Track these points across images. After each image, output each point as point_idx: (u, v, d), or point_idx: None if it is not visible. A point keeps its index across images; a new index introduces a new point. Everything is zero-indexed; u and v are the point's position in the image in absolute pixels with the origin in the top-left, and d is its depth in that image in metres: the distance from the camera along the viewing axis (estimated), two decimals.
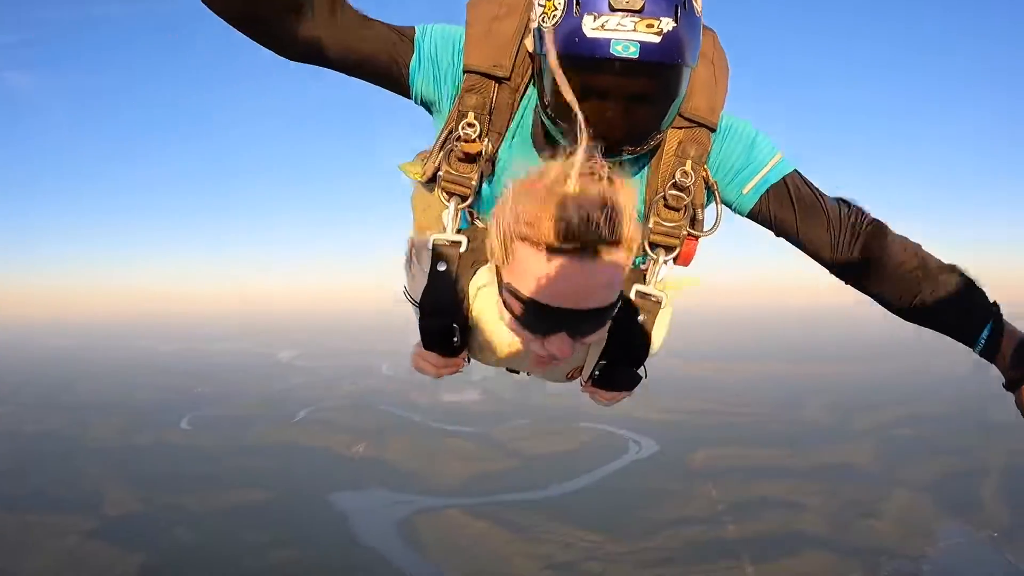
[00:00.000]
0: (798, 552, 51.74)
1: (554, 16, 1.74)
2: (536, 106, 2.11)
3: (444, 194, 2.22)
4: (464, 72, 2.12)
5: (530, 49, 2.00)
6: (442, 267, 2.16)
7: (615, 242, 1.59)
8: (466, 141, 2.12)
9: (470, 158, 2.15)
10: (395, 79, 2.20)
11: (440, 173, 2.19)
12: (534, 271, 1.62)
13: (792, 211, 2.21)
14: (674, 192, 2.15)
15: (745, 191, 2.22)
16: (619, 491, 64.54)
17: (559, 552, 53.12)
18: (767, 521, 56.83)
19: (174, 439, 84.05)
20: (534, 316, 1.70)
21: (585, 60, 1.72)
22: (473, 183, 2.18)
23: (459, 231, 2.21)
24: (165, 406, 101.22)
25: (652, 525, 56.58)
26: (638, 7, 1.65)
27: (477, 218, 2.40)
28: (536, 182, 1.64)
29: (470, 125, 2.10)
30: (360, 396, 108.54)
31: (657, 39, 1.68)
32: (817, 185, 2.25)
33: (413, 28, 2.17)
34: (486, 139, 2.16)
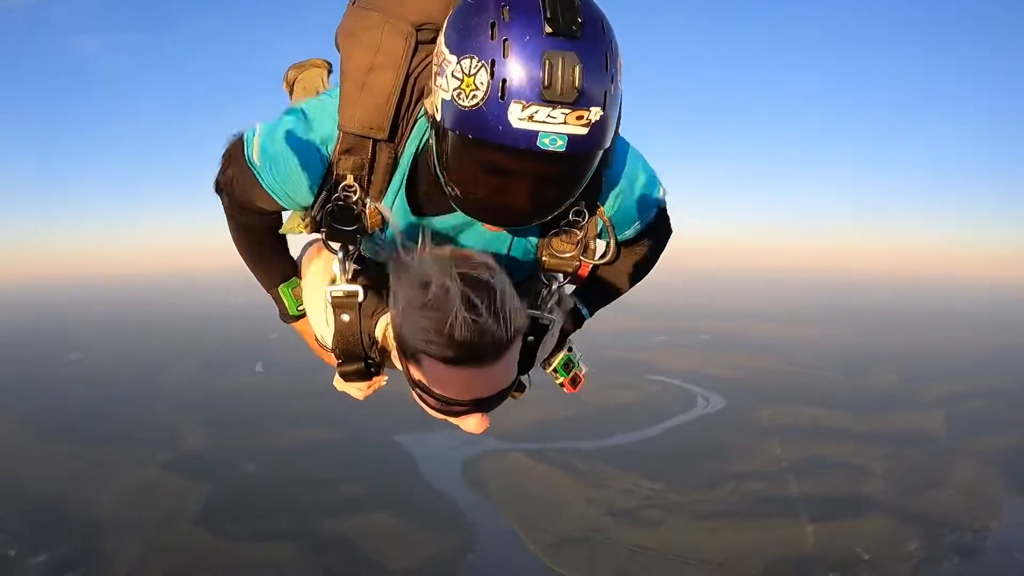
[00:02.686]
0: (860, 515, 51.45)
1: (474, 96, 1.57)
2: (422, 159, 2.06)
3: (328, 247, 2.24)
4: (340, 131, 2.00)
5: (430, 113, 1.79)
6: (346, 318, 2.18)
7: (509, 341, 1.64)
8: (346, 203, 2.05)
9: (352, 215, 2.07)
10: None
11: (323, 230, 2.13)
12: (441, 377, 1.69)
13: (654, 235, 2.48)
14: (567, 228, 2.17)
15: (637, 228, 2.33)
16: (684, 443, 64.92)
17: (620, 498, 54.08)
18: (830, 482, 56.45)
19: (248, 382, 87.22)
20: (447, 406, 1.77)
21: (504, 150, 1.60)
22: (356, 237, 2.13)
23: (355, 273, 2.23)
24: (240, 351, 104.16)
25: (714, 478, 56.99)
26: (571, 100, 1.52)
27: (365, 258, 2.37)
28: (422, 295, 1.59)
29: (348, 187, 2.03)
30: None
31: (585, 131, 1.58)
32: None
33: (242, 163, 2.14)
34: (368, 199, 2.07)
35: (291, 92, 3.51)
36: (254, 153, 2.08)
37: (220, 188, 2.28)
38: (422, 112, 1.96)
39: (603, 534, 49.54)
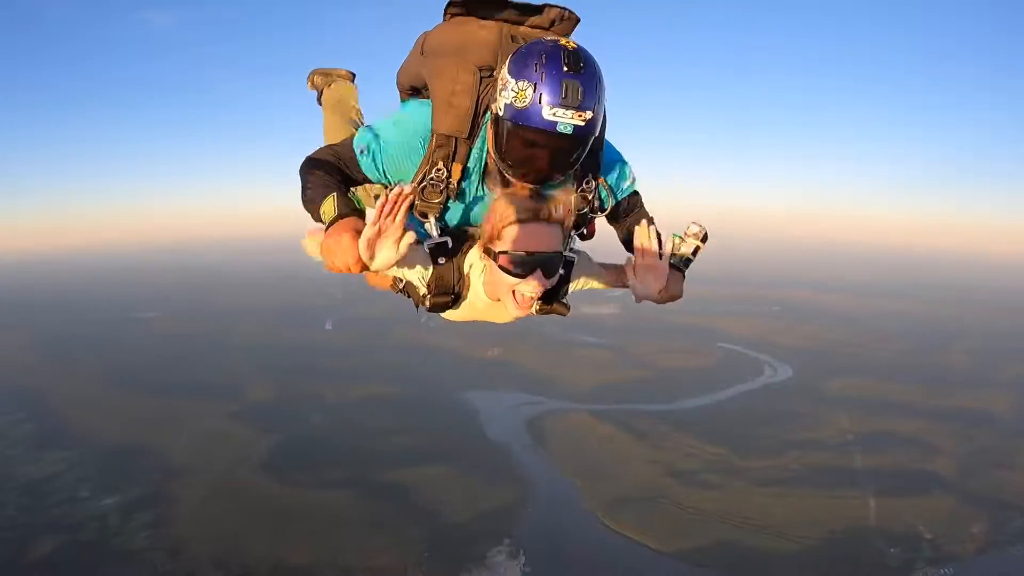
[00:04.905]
0: (924, 492, 50.38)
1: (523, 100, 2.68)
2: (487, 149, 3.11)
3: (420, 214, 3.20)
4: (433, 134, 3.05)
5: (495, 113, 2.89)
6: (442, 260, 3.21)
7: (557, 219, 2.97)
8: (437, 181, 3.09)
9: (439, 191, 3.13)
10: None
11: (416, 202, 3.12)
12: (519, 235, 2.91)
13: (627, 206, 3.57)
14: (582, 190, 3.30)
15: (619, 196, 3.49)
16: (749, 410, 64.47)
17: (680, 461, 54.13)
18: (896, 456, 55.48)
19: (317, 339, 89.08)
20: (522, 262, 2.92)
21: (538, 131, 2.72)
22: (440, 206, 3.17)
23: (441, 233, 3.23)
24: (310, 310, 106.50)
25: (778, 445, 56.63)
26: (576, 106, 2.65)
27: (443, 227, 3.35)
28: (509, 196, 2.97)
29: (439, 170, 3.08)
30: None
31: (583, 123, 2.70)
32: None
33: (352, 151, 3.16)
34: (450, 177, 3.11)
35: (318, 93, 4.81)
36: (365, 147, 3.13)
37: (326, 152, 3.22)
38: (486, 120, 3.05)
39: (662, 495, 49.70)
